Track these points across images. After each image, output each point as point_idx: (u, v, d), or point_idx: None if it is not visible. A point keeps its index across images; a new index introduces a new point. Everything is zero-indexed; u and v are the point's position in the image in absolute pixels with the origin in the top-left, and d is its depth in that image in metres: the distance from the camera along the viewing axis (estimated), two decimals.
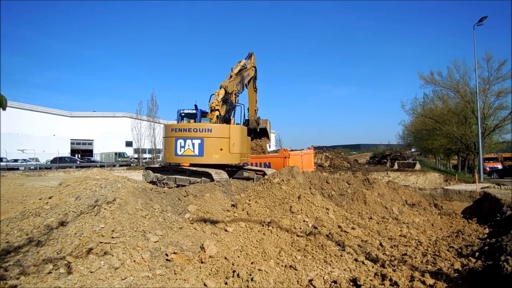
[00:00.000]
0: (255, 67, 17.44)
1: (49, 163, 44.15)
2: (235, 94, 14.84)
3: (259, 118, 19.29)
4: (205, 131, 12.94)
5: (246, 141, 14.18)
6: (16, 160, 42.91)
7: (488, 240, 6.90)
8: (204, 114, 14.43)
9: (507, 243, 5.51)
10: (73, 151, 57.95)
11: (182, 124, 14.10)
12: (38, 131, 52.11)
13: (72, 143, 58.68)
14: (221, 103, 13.50)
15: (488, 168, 31.01)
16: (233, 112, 14.73)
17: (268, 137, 19.99)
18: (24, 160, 44.36)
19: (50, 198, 8.24)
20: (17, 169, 38.49)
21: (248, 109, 18.62)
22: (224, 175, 11.95)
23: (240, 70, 15.66)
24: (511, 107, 28.77)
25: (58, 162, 41.95)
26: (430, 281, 4.72)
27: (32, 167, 40.49)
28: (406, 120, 47.06)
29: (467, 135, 30.23)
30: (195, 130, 13.02)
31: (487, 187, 15.38)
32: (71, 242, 5.98)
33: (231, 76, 14.82)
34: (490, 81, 28.94)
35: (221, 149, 12.80)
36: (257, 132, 19.68)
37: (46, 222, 6.76)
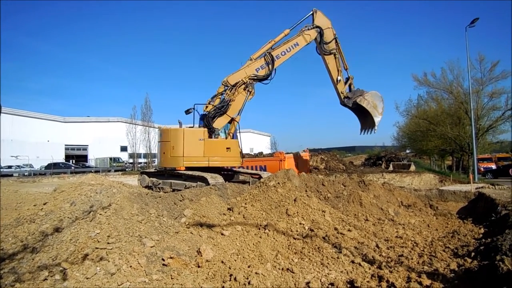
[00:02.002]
0: (318, 27, 13.79)
1: (43, 169, 43.84)
2: (244, 84, 13.14)
3: (358, 91, 14.59)
4: (159, 136, 14.05)
5: (202, 143, 13.06)
6: (10, 167, 42.59)
7: (483, 240, 6.94)
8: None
9: (502, 242, 5.54)
10: (67, 157, 57.60)
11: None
12: (32, 137, 51.77)
13: (66, 149, 58.33)
14: (215, 102, 13.05)
15: (482, 168, 31.24)
16: (227, 109, 13.04)
17: (372, 119, 14.63)
18: (18, 166, 44.04)
19: (44, 204, 8.19)
20: (11, 175, 38.15)
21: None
22: (219, 179, 11.95)
23: (266, 52, 13.31)
24: (504, 107, 29.07)
25: (53, 168, 41.64)
26: (426, 281, 4.74)
27: (26, 173, 40.14)
28: (401, 121, 47.18)
29: (461, 136, 30.43)
30: (158, 134, 14.33)
31: (482, 187, 15.47)
32: (66, 248, 5.94)
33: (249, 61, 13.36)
34: (483, 82, 29.21)
35: (164, 153, 13.19)
36: (359, 110, 15.28)
37: (41, 229, 6.70)
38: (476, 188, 14.91)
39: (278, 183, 9.57)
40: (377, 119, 14.45)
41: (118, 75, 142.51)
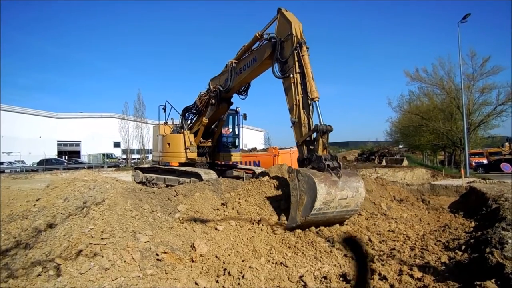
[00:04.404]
0: (273, 38, 8.89)
1: (35, 165, 43.46)
2: (210, 94, 11.69)
3: (326, 158, 7.17)
4: None
5: (158, 139, 14.21)
6: (1, 163, 42.14)
7: (474, 233, 7.02)
8: None
9: (492, 235, 5.62)
10: (60, 153, 57.13)
11: None
12: (24, 133, 51.19)
13: (58, 145, 57.81)
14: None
15: (473, 163, 31.52)
16: (200, 114, 12.78)
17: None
18: (10, 162, 43.58)
19: (37, 200, 8.13)
20: (3, 171, 37.78)
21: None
22: (213, 175, 11.95)
23: (229, 62, 10.86)
24: (495, 102, 29.39)
25: (45, 164, 41.37)
26: (418, 274, 4.80)
27: (18, 170, 39.78)
28: (393, 117, 47.66)
29: (453, 131, 30.73)
30: None
31: (473, 181, 15.61)
32: (60, 244, 5.92)
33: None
34: (475, 77, 29.53)
35: None
36: None
37: (34, 225, 6.67)
38: (468, 183, 15.04)
39: (272, 178, 9.59)
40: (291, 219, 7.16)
41: (112, 73, 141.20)
